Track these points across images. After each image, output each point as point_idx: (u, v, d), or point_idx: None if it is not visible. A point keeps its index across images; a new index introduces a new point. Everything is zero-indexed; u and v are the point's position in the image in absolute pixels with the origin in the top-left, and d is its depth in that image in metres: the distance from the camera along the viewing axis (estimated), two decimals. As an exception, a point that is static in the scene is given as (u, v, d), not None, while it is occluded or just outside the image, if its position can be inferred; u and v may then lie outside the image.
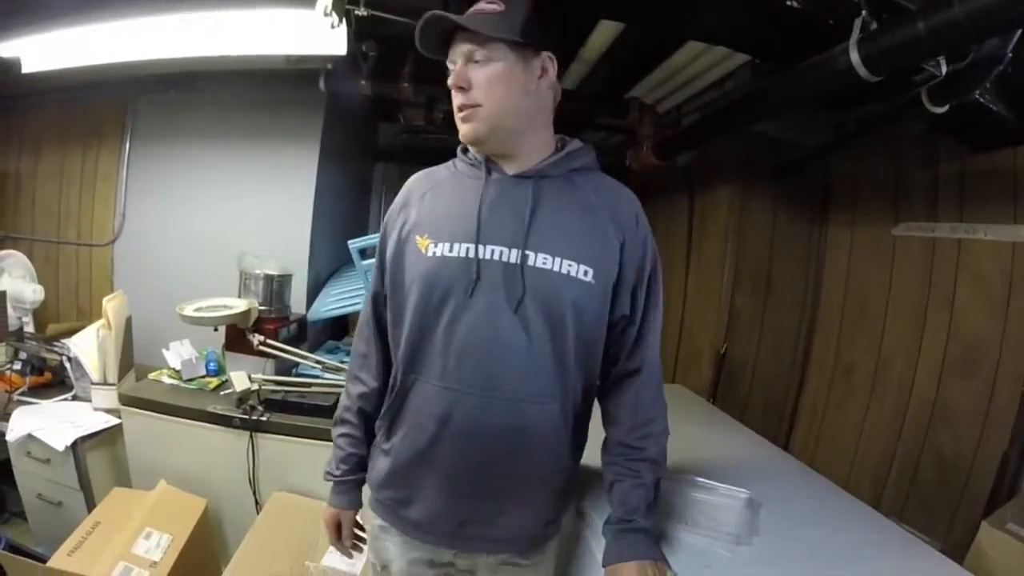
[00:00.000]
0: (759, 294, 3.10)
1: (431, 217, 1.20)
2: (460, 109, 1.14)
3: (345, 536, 1.36)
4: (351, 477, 1.33)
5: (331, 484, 1.36)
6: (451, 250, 1.14)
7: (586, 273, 1.13)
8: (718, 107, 2.56)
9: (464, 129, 1.15)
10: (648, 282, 1.22)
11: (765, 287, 3.10)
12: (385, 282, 1.26)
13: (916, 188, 2.50)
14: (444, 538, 1.22)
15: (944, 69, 1.62)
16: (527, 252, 1.12)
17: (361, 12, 2.03)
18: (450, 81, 1.13)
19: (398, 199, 1.29)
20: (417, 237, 1.19)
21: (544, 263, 1.12)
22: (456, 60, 1.12)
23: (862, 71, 1.55)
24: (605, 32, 2.19)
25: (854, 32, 1.54)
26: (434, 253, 1.15)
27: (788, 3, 1.58)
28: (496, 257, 1.12)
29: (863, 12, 1.52)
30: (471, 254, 1.12)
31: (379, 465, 1.26)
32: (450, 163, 1.28)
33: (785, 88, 1.99)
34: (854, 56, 1.54)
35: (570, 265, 1.12)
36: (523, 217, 1.14)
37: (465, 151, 1.24)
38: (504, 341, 1.12)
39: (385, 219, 1.29)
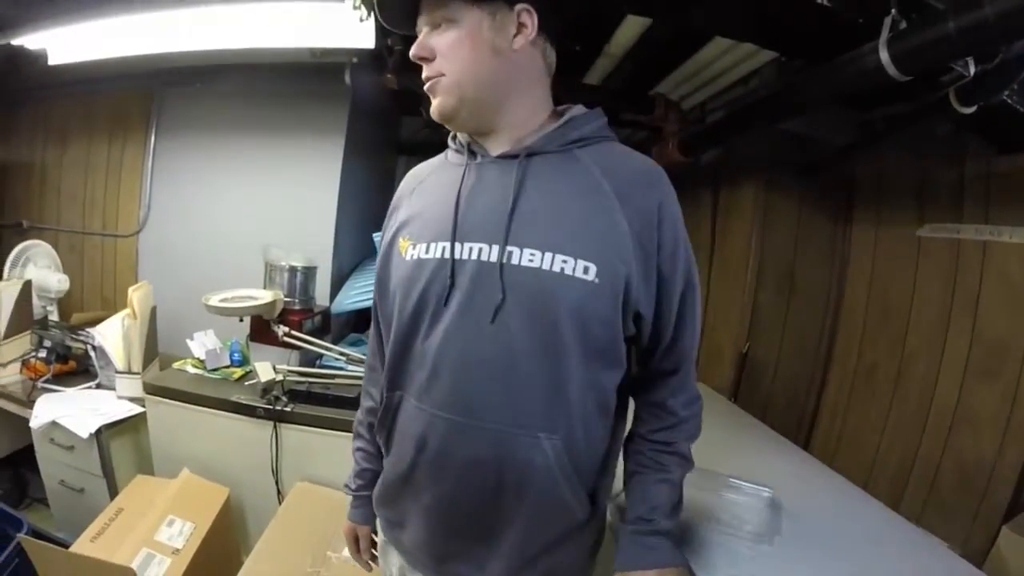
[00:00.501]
0: (783, 292, 3.09)
1: (414, 215, 1.08)
2: (425, 83, 1.00)
3: (363, 550, 1.31)
4: (365, 493, 1.25)
5: (349, 498, 1.31)
6: (427, 251, 1.00)
7: (587, 270, 0.92)
8: (744, 104, 2.55)
9: (432, 106, 1.01)
10: (683, 276, 1.00)
11: (789, 285, 3.09)
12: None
13: (941, 189, 2.47)
14: (430, 571, 1.11)
15: (972, 69, 1.59)
16: (510, 248, 0.94)
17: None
18: (411, 53, 0.99)
19: (393, 200, 1.19)
20: (400, 239, 1.08)
21: (531, 260, 0.93)
22: (422, 30, 0.99)
23: (892, 71, 1.52)
24: (631, 27, 2.17)
25: (883, 31, 1.51)
26: (412, 256, 1.03)
27: (819, 1, 1.57)
28: (474, 256, 0.96)
29: (892, 11, 1.50)
30: (446, 254, 0.98)
31: (379, 482, 1.19)
32: (444, 152, 1.15)
33: (812, 86, 1.98)
34: (884, 55, 1.52)
35: (564, 261, 0.92)
36: (505, 205, 0.96)
37: (455, 137, 1.10)
38: (479, 357, 0.95)
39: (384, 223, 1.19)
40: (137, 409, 2.47)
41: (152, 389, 2.37)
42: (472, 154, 1.05)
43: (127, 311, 2.55)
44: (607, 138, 1.05)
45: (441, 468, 1.01)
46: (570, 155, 1.00)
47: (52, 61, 2.59)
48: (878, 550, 1.32)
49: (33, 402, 2.50)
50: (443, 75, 0.97)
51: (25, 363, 2.74)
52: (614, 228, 0.94)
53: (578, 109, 1.05)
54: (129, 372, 2.53)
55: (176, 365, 2.58)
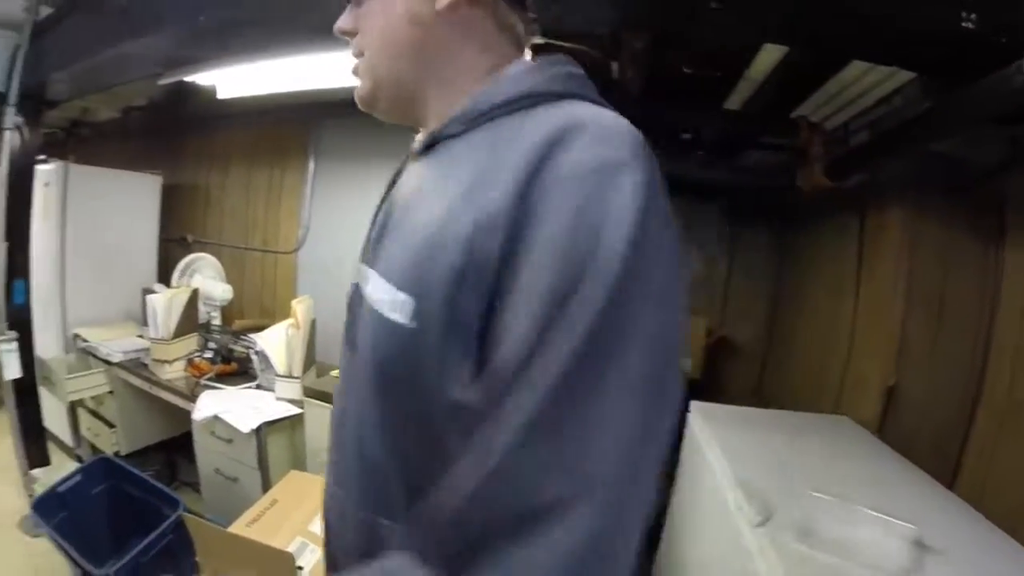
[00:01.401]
0: (931, 320, 2.94)
1: None
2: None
3: None
4: None
5: None
6: (354, 278, 0.81)
7: (398, 307, 0.61)
8: (889, 125, 2.49)
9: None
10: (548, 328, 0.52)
11: (938, 313, 2.95)
12: None
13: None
14: None
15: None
16: (370, 271, 0.70)
17: (536, 40, 2.13)
18: (334, 28, 0.78)
19: None
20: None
21: (372, 290, 0.67)
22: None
23: (1038, 89, 1.48)
24: (771, 53, 2.19)
25: (1029, 49, 1.47)
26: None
27: (964, 24, 1.54)
28: (360, 282, 0.76)
29: (1037, 28, 1.46)
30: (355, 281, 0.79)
31: None
32: None
33: (958, 108, 1.92)
34: (1031, 74, 1.48)
35: (385, 291, 0.63)
36: (383, 215, 0.77)
37: None
38: (340, 419, 0.76)
39: None
40: (295, 410, 2.64)
41: (311, 393, 2.56)
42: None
43: (290, 321, 2.76)
44: (554, 97, 0.65)
45: (330, 553, 0.80)
46: (471, 136, 0.67)
47: (220, 96, 2.87)
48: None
49: (195, 397, 2.73)
50: (363, 54, 0.76)
51: (190, 361, 3.04)
52: (447, 236, 0.59)
53: (516, 65, 0.71)
54: (289, 376, 2.71)
55: (334, 373, 2.74)
